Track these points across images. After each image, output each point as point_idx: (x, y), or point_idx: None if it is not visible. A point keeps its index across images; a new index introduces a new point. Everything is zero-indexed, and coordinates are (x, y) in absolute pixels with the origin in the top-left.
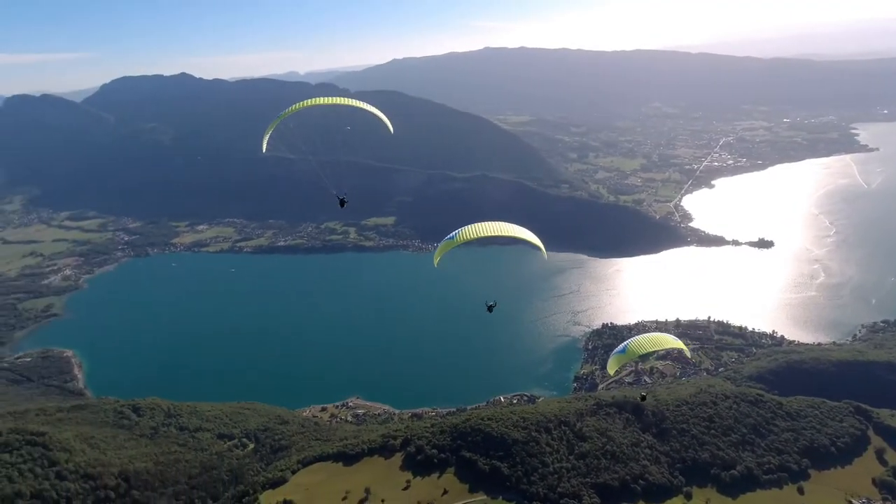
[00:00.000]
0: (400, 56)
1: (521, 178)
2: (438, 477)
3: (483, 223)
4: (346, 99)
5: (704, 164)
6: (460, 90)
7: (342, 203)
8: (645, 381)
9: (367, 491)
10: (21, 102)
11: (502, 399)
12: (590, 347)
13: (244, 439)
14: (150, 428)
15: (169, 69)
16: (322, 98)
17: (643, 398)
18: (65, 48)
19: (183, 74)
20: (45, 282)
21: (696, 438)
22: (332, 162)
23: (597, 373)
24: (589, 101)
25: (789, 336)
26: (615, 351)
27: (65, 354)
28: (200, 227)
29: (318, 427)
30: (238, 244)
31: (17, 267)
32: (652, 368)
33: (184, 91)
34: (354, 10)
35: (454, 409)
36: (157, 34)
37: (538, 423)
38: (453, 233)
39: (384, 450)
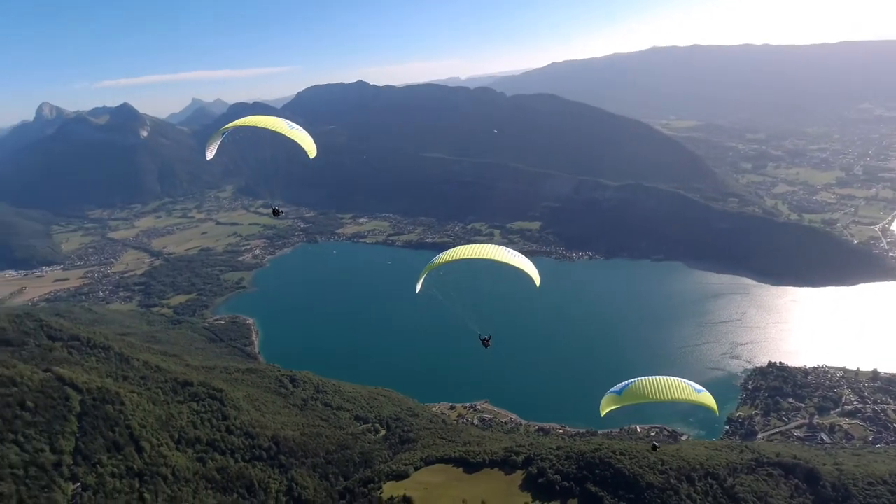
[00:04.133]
0: (560, 59)
1: (681, 190)
2: None
3: (471, 246)
4: (276, 121)
5: None
6: (621, 93)
7: (275, 213)
8: (822, 439)
9: None
10: (240, 109)
11: (639, 429)
12: (750, 387)
13: (377, 425)
14: (301, 399)
15: (349, 77)
16: (251, 118)
17: (655, 448)
18: (274, 64)
19: (360, 82)
20: (240, 258)
21: None
22: (483, 164)
23: (757, 419)
24: (773, 103)
25: None
26: (612, 389)
27: (247, 322)
28: (361, 220)
29: (444, 426)
30: (391, 238)
31: (223, 244)
32: (833, 425)
33: (359, 97)
34: (516, 16)
35: (584, 431)
36: (342, 48)
37: (679, 469)
38: (435, 257)
39: (505, 464)
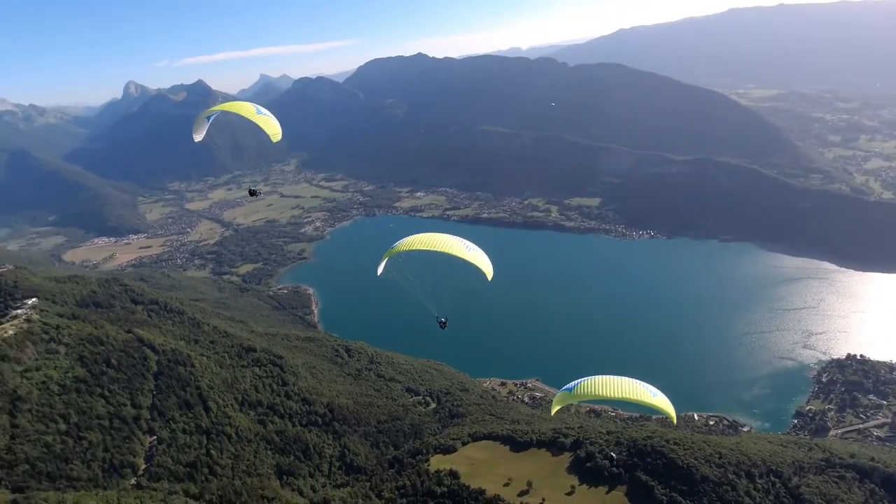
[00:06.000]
0: (627, 25)
1: (757, 165)
2: (607, 492)
3: (429, 236)
4: (247, 107)
5: None
6: (695, 61)
7: (252, 193)
8: None
9: (530, 484)
10: (304, 83)
11: (696, 417)
12: (824, 380)
13: (428, 398)
14: (356, 369)
15: (409, 50)
16: (226, 104)
17: (612, 460)
18: (337, 38)
19: (419, 54)
20: (303, 230)
21: None
22: (542, 138)
23: (830, 414)
24: (870, 67)
25: None
26: (565, 387)
27: (308, 291)
28: (418, 194)
29: (494, 402)
30: (447, 212)
31: (287, 216)
32: None
33: (418, 69)
34: None
35: (636, 416)
36: (403, 20)
37: (738, 464)
38: (397, 242)
39: (553, 445)
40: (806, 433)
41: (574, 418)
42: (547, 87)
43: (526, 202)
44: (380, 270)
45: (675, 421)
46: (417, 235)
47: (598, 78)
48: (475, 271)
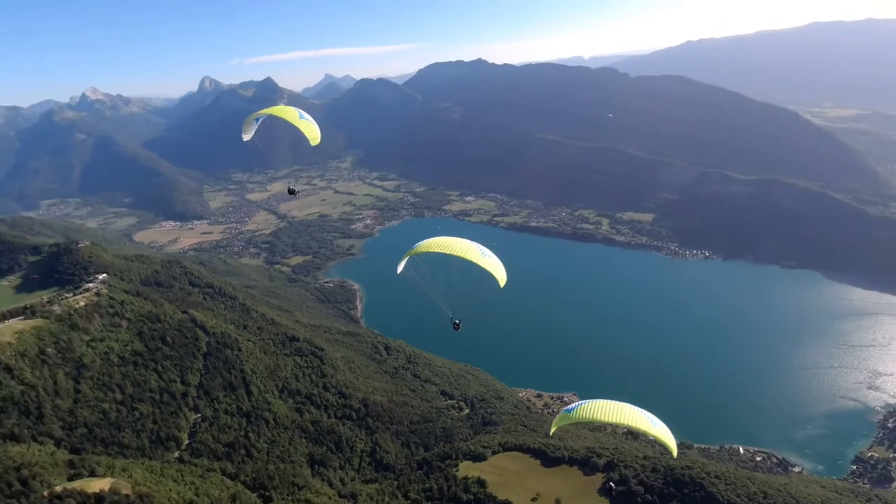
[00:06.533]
0: (695, 37)
1: (829, 189)
2: None
3: (447, 239)
4: (290, 111)
5: None
6: (767, 76)
7: (291, 192)
8: None
9: (558, 502)
10: (364, 84)
11: (741, 450)
12: (890, 426)
13: (462, 403)
14: (393, 367)
15: (469, 55)
16: (273, 108)
17: (611, 490)
18: (399, 41)
19: (479, 60)
20: (353, 226)
21: None
22: (597, 148)
23: (895, 464)
24: None
25: None
26: (565, 408)
27: (353, 287)
28: (468, 198)
29: (528, 413)
30: (495, 218)
31: (339, 212)
32: None
33: (477, 75)
34: None
35: (677, 443)
36: (464, 26)
37: None
38: (416, 243)
39: (585, 464)
40: (865, 481)
41: (610, 439)
42: (606, 98)
43: (576, 213)
44: (399, 269)
45: (675, 454)
46: (436, 238)
47: (661, 90)
48: (511, 278)
